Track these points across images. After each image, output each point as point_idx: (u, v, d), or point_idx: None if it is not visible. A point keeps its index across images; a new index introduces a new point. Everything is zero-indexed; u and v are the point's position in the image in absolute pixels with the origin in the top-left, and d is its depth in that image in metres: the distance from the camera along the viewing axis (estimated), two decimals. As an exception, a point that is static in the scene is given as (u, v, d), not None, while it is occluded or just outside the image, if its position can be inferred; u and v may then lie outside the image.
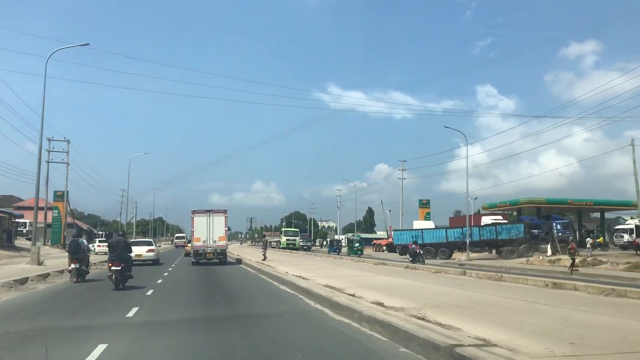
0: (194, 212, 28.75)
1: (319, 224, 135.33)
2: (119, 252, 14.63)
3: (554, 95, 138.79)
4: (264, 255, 31.32)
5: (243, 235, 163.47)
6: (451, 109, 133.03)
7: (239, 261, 31.65)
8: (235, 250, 52.74)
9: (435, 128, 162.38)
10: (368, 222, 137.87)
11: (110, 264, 14.71)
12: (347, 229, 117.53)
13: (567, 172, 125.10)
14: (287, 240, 71.40)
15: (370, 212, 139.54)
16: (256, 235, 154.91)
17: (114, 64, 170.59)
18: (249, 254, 42.58)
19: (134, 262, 18.40)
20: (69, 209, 57.50)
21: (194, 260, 28.19)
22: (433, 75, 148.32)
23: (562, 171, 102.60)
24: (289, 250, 62.11)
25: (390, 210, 78.47)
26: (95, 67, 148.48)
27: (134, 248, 20.42)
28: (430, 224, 50.92)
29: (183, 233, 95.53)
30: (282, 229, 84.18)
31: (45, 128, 26.73)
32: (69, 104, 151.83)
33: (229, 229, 33.99)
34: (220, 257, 28.40)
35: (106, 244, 17.95)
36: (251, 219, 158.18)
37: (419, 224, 50.96)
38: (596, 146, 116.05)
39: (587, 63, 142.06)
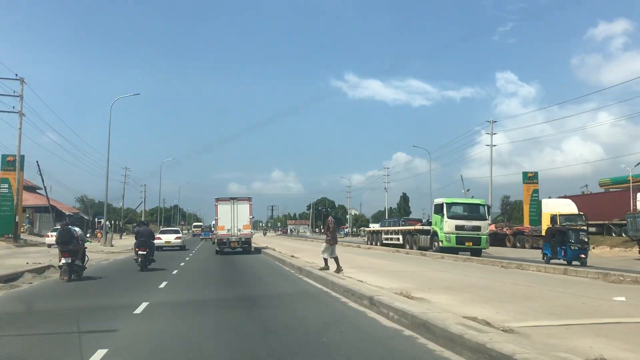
0: (217, 199, 27.85)
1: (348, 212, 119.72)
2: (145, 239, 16.89)
3: (580, 80, 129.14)
4: (328, 258, 14.22)
5: (264, 224, 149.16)
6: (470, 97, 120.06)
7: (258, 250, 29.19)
8: (266, 242, 39.22)
9: (454, 116, 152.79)
10: (402, 209, 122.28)
11: (137, 249, 16.76)
12: (375, 217, 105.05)
13: (592, 159, 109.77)
14: (455, 229, 26.20)
15: (404, 198, 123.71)
16: (279, 224, 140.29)
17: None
18: (297, 249, 28.13)
19: (165, 248, 29.26)
20: (45, 186, 42.27)
21: (217, 249, 27.29)
22: (452, 62, 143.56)
23: (587, 158, 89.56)
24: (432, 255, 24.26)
25: (468, 190, 61.11)
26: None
27: (164, 236, 31.41)
28: (571, 205, 31.86)
29: (201, 222, 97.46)
30: (444, 201, 27.50)
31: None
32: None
33: (253, 217, 30.94)
34: (244, 246, 27.52)
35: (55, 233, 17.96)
36: (272, 207, 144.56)
37: (553, 204, 32.37)
38: (622, 132, 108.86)
39: (616, 45, 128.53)
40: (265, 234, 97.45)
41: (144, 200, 79.11)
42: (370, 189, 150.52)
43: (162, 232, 34.29)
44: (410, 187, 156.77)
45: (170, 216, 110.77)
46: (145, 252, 16.59)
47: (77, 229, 14.71)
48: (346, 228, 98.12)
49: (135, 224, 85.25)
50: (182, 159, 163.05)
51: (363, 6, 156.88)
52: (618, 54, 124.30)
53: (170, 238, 31.54)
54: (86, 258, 14.72)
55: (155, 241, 30.28)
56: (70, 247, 13.76)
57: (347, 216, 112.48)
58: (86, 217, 60.67)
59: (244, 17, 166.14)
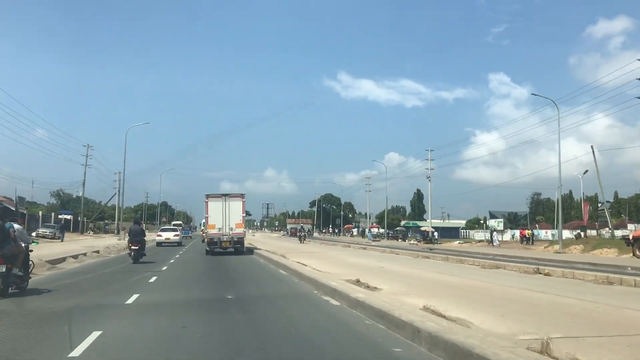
0: (208, 196, 26.38)
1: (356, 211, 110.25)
2: (137, 236, 19.89)
3: (575, 81, 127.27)
4: None
5: (259, 223, 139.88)
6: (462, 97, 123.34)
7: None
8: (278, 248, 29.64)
9: (447, 116, 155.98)
10: (416, 208, 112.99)
11: (130, 245, 19.96)
12: (382, 216, 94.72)
13: (586, 160, 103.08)
14: None
15: (419, 196, 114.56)
16: (277, 223, 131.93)
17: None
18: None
19: (164, 244, 35.85)
20: None
21: (207, 249, 26.00)
22: (445, 63, 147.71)
23: (582, 159, 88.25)
24: None
25: (587, 171, 51.46)
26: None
27: (164, 233, 39.03)
28: None
29: (180, 221, 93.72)
30: None
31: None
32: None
33: (247, 213, 31.15)
34: (237, 246, 26.08)
35: None
36: (267, 204, 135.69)
37: None
38: (618, 133, 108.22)
39: (615, 43, 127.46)
40: (302, 239, 43.99)
41: (119, 192, 61.83)
42: (366, 189, 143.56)
43: (163, 230, 41.58)
44: (406, 187, 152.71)
45: (155, 214, 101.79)
46: (137, 247, 19.52)
47: (16, 225, 11.90)
48: (376, 228, 79.27)
49: (105, 222, 76.75)
50: (154, 124, 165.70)
51: (357, 6, 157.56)
52: (617, 53, 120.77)
53: (170, 235, 38.85)
54: (31, 265, 12.30)
55: (156, 238, 38.54)
56: (5, 250, 10.67)
57: (365, 215, 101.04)
58: (21, 210, 45.21)
59: (238, 16, 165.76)
